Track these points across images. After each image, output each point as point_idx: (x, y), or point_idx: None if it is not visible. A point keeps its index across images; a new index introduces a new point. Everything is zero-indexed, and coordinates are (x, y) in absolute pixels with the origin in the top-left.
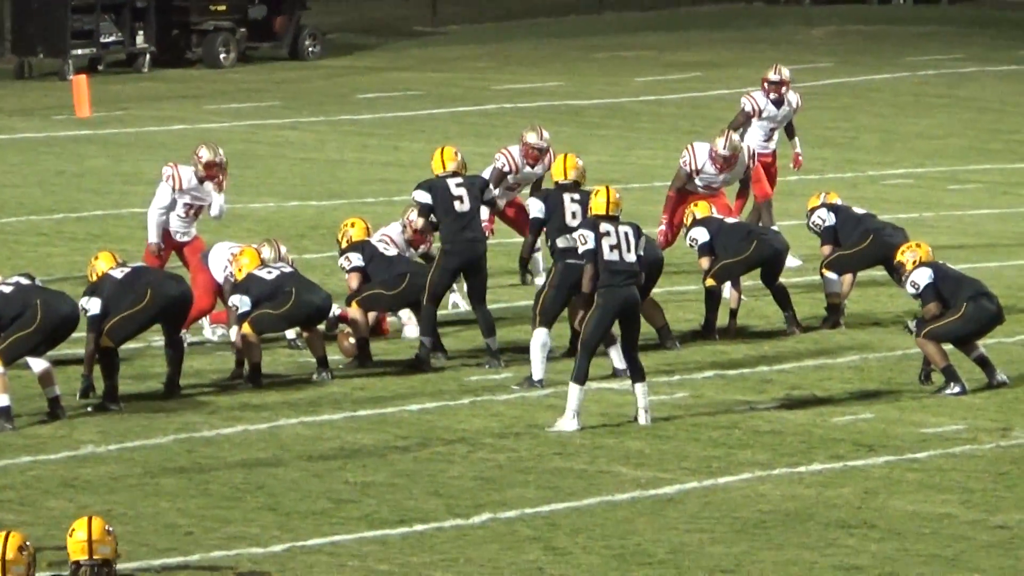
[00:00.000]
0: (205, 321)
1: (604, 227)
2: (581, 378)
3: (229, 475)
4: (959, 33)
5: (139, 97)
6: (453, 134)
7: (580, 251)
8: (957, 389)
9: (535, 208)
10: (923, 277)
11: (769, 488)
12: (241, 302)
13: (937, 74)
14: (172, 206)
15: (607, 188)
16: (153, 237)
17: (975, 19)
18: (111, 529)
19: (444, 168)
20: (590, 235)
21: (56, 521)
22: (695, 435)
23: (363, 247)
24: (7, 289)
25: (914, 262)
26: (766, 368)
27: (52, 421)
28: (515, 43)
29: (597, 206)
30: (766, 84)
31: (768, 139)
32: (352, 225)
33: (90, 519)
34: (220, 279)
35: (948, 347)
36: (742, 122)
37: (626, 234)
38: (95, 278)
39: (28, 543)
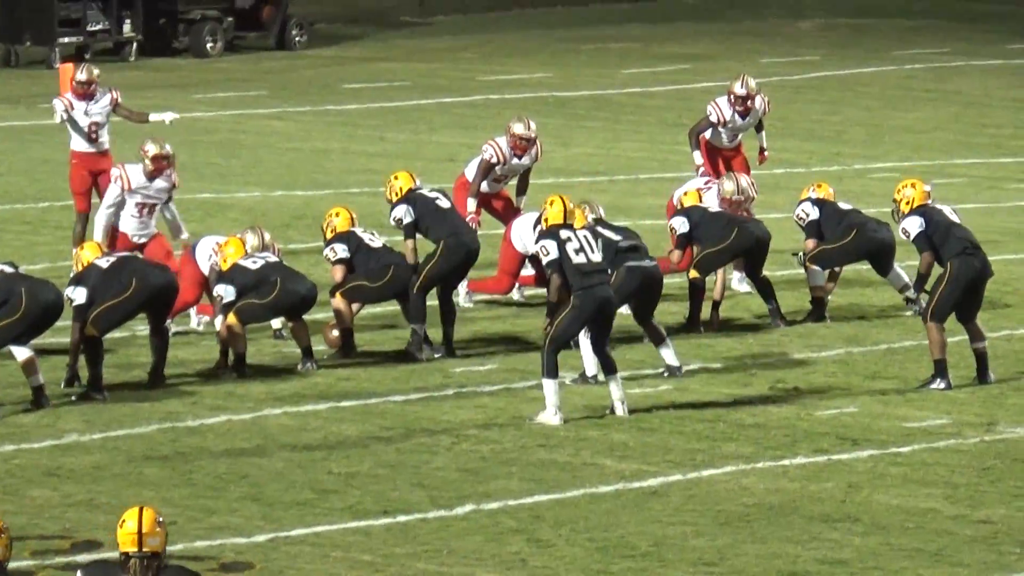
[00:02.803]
0: (192, 310)
1: (564, 233)
2: (553, 372)
3: (213, 465)
4: (946, 27)
5: (126, 86)
6: (439, 125)
7: (544, 263)
8: (943, 385)
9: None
10: (914, 226)
11: (753, 481)
12: (226, 292)
13: (924, 68)
14: (122, 205)
15: (561, 197)
16: (98, 236)
17: (962, 13)
18: (162, 520)
19: (413, 182)
20: (552, 244)
21: (39, 510)
22: (679, 428)
23: (348, 238)
24: None
25: (908, 203)
26: (750, 361)
27: (36, 410)
28: (501, 34)
29: (554, 216)
30: (732, 97)
31: (731, 141)
32: (336, 215)
33: (141, 510)
34: (206, 272)
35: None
36: (704, 127)
37: (585, 236)
38: (80, 268)
39: (5, 526)
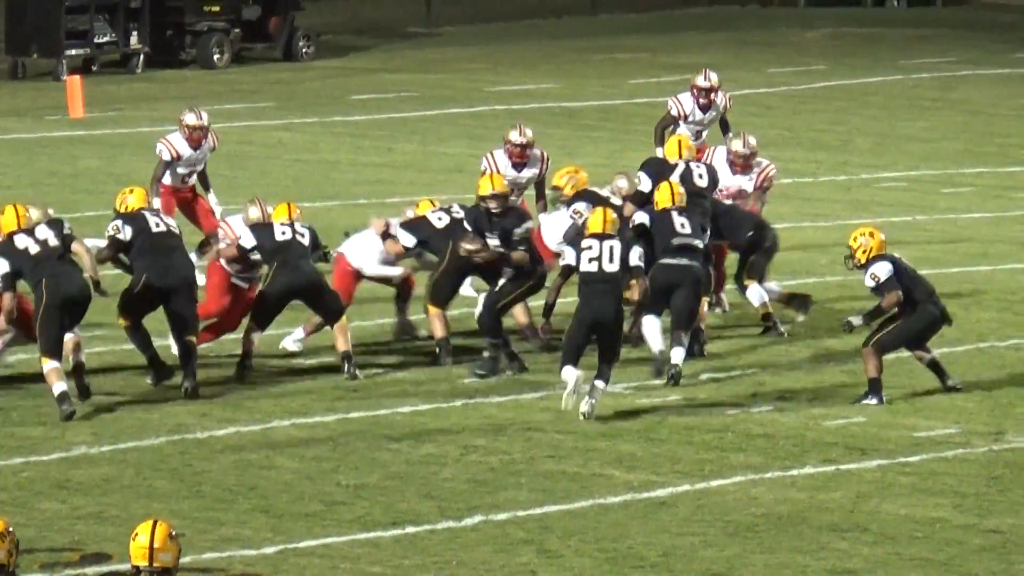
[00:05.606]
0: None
1: (587, 243)
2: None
3: (221, 477)
4: (953, 36)
5: (133, 98)
6: (446, 135)
7: (561, 264)
8: (874, 401)
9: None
10: (884, 270)
11: (761, 491)
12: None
13: (931, 77)
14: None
15: (604, 210)
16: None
17: (968, 22)
18: (175, 534)
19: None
20: (570, 251)
21: (48, 522)
22: (688, 438)
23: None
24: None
25: (866, 252)
26: (759, 371)
27: (83, 399)
28: (509, 45)
29: (593, 224)
30: (695, 90)
31: (696, 139)
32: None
33: (155, 524)
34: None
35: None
36: (669, 122)
37: (611, 248)
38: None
39: (11, 528)
